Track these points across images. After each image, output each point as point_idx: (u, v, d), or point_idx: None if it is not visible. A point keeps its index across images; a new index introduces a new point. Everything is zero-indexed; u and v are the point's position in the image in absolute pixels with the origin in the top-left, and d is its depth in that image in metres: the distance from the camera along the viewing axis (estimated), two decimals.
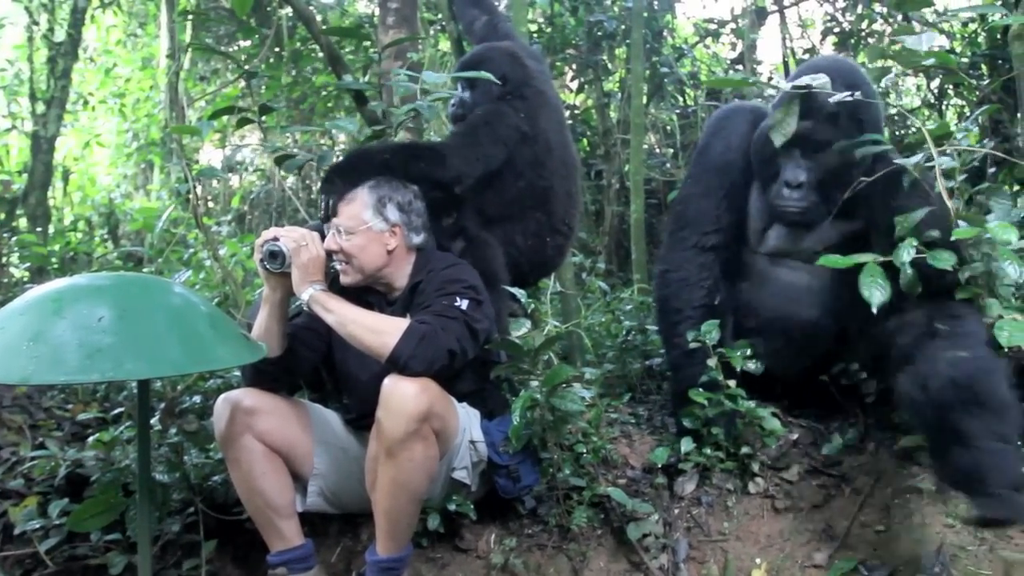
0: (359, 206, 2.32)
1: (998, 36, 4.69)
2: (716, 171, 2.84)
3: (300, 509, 2.34)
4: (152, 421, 2.50)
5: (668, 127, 6.34)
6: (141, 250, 4.53)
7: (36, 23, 6.53)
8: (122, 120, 9.00)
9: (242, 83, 8.21)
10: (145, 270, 4.09)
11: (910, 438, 2.61)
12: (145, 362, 1.68)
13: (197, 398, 2.75)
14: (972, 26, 5.43)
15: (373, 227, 2.31)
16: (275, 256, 2.22)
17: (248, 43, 7.53)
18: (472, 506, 2.39)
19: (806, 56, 6.32)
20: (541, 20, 6.43)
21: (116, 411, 2.76)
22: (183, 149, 3.38)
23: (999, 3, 3.12)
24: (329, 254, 2.31)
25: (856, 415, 2.90)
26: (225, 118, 7.80)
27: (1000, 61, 4.72)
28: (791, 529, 2.54)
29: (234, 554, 2.50)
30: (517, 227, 2.85)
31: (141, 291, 1.84)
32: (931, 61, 2.47)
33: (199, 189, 3.09)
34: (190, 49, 6.83)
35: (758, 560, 2.45)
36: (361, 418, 2.35)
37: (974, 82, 4.45)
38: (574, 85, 6.81)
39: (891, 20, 5.41)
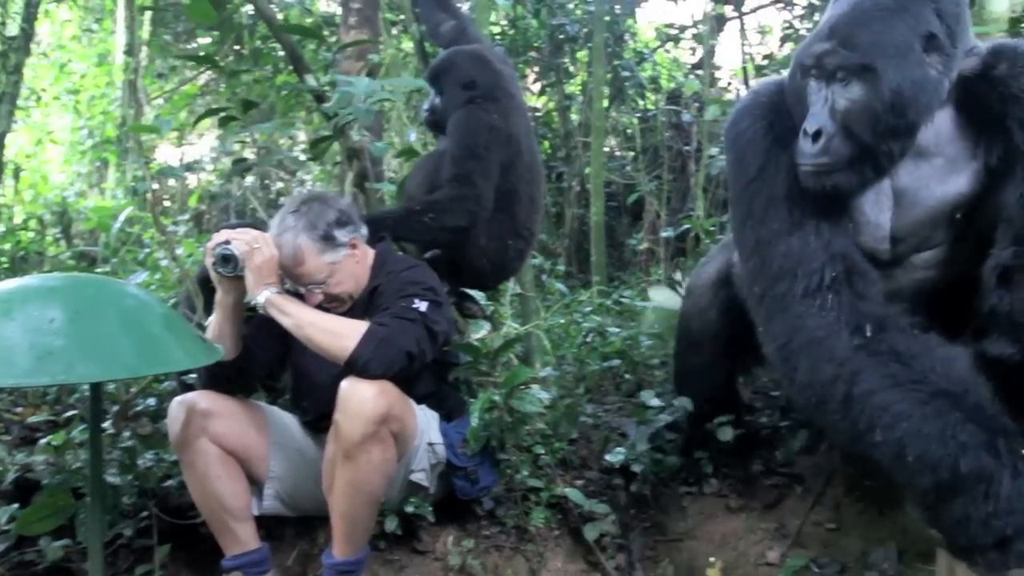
0: (311, 257, 2.24)
1: None
2: (780, 185, 1.96)
3: (256, 512, 2.32)
4: (105, 424, 2.46)
5: (629, 130, 6.40)
6: (95, 250, 4.45)
7: None
8: (76, 117, 8.83)
9: (200, 80, 8.14)
10: (99, 270, 4.03)
11: None
12: (98, 365, 1.66)
13: (152, 400, 2.72)
14: None
15: (337, 260, 2.28)
16: (227, 260, 2.16)
17: (208, 40, 7.46)
18: (430, 508, 2.39)
19: (765, 62, 6.42)
20: (504, 22, 6.46)
21: (68, 414, 2.72)
22: (140, 148, 3.33)
23: None
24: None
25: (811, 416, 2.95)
26: (183, 115, 7.74)
27: None
28: (745, 528, 2.57)
29: (188, 559, 2.47)
30: (480, 228, 2.87)
31: (94, 292, 1.81)
32: None
33: (156, 187, 3.05)
34: (148, 46, 6.74)
35: (712, 559, 2.48)
36: (318, 420, 2.34)
37: None
38: (536, 87, 6.84)
39: None
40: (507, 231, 2.94)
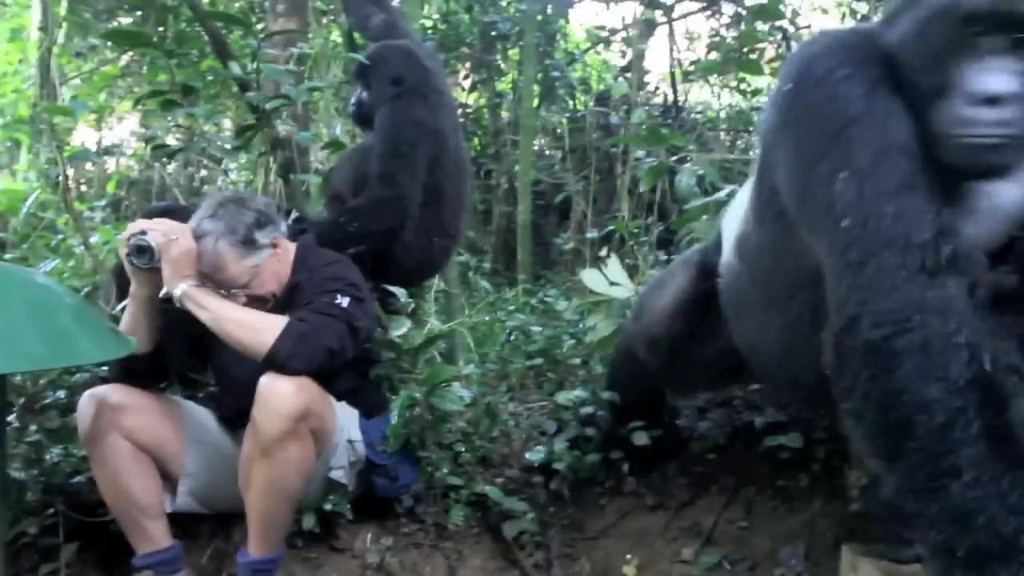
0: (232, 264, 2.20)
1: None
2: (894, 133, 1.58)
3: (169, 510, 2.27)
4: (10, 418, 2.37)
5: (558, 130, 6.45)
6: (3, 236, 4.27)
7: None
8: None
9: (122, 62, 7.87)
10: (8, 256, 3.87)
11: (773, 439, 2.74)
12: (2, 356, 1.60)
13: (61, 393, 2.62)
14: None
15: (259, 263, 2.24)
16: (143, 251, 2.11)
17: (129, 20, 7.22)
18: (348, 505, 2.37)
19: (692, 68, 6.55)
20: (436, 16, 6.43)
21: None
22: (54, 130, 3.21)
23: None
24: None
25: (726, 417, 3.03)
26: (102, 97, 7.48)
27: None
28: (661, 526, 2.63)
29: (96, 557, 2.40)
30: (406, 225, 2.86)
31: None
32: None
33: (71, 172, 2.95)
34: (65, 23, 6.48)
35: (628, 556, 2.53)
36: (236, 416, 2.30)
37: None
38: (467, 83, 6.84)
39: (772, 39, 5.67)
40: (433, 228, 2.93)
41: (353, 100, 2.99)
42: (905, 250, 1.47)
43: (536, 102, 5.96)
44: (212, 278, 2.20)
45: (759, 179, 1.89)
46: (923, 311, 1.42)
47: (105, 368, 2.40)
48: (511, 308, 4.12)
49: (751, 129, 6.33)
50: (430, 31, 6.17)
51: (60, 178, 2.86)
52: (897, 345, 1.42)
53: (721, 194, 3.15)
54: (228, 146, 3.44)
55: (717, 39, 6.25)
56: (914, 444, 1.42)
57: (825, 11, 6.55)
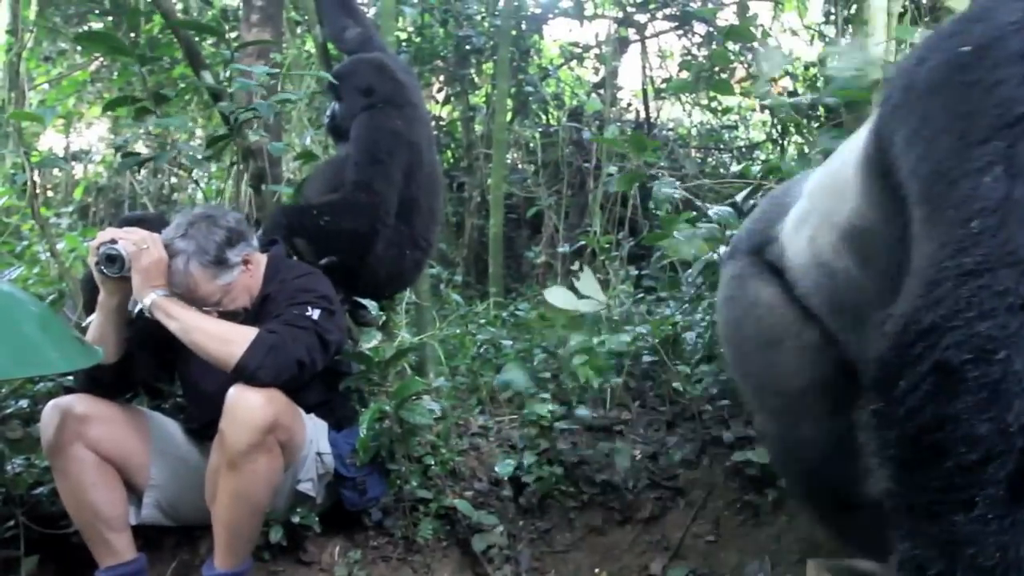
0: (203, 284, 2.19)
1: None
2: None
3: (134, 522, 2.24)
4: None
5: (531, 144, 6.48)
6: None
7: None
8: None
9: (92, 67, 7.79)
10: None
11: (740, 454, 2.77)
12: None
13: (24, 402, 2.58)
14: (812, 70, 5.84)
15: (232, 280, 2.23)
16: (113, 260, 2.09)
17: (99, 25, 7.15)
18: (316, 518, 2.36)
19: (664, 85, 6.62)
20: (410, 30, 6.45)
21: None
22: (21, 135, 3.17)
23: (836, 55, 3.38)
24: None
25: (693, 432, 3.05)
26: (71, 102, 7.39)
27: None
28: (629, 540, 2.64)
29: (58, 570, 2.36)
30: (378, 237, 2.85)
31: None
32: (768, 101, 2.65)
33: (38, 178, 2.91)
34: (34, 27, 6.42)
35: (597, 570, 2.54)
36: (204, 428, 2.28)
37: (809, 123, 4.79)
38: (441, 97, 6.85)
39: (743, 59, 5.75)
40: (405, 241, 2.93)
41: (328, 113, 3.00)
42: (1021, 278, 1.28)
43: (509, 116, 5.99)
44: (183, 298, 2.18)
45: (876, 162, 1.57)
46: (1011, 347, 1.28)
47: (70, 378, 2.37)
48: (482, 321, 4.12)
49: (721, 147, 6.41)
50: (405, 44, 6.18)
51: (27, 184, 2.82)
52: (971, 374, 1.27)
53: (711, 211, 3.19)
54: (200, 156, 3.40)
55: (689, 58, 6.34)
56: (940, 469, 1.32)
57: (795, 32, 6.66)
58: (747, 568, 2.48)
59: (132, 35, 5.90)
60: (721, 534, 2.65)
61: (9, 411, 2.51)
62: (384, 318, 2.56)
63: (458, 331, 3.86)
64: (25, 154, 2.81)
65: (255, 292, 2.29)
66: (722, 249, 3.22)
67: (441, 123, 6.71)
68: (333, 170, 2.99)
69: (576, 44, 7.06)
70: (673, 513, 2.74)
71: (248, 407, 2.01)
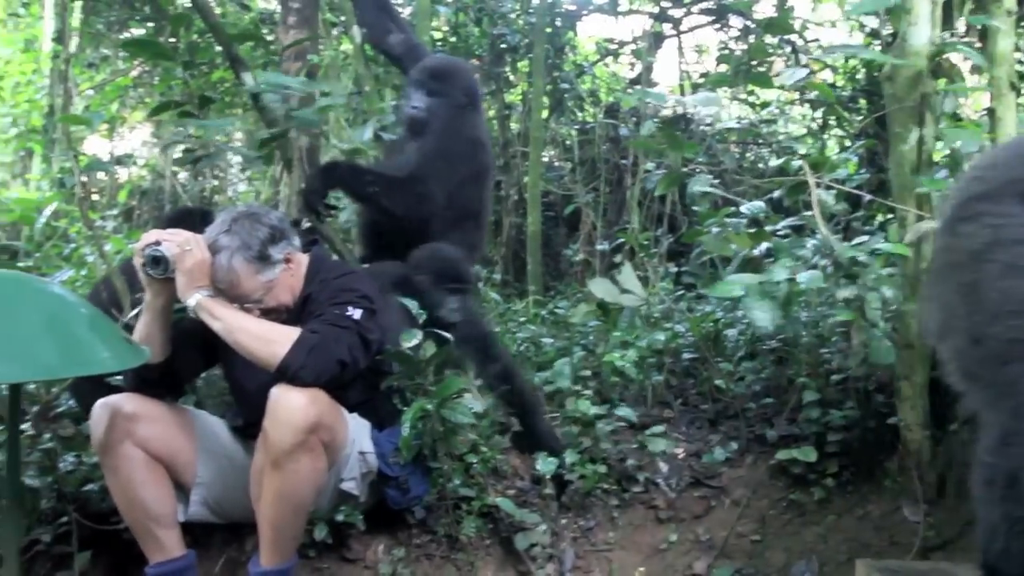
0: (246, 280, 2.20)
1: (875, 73, 4.99)
2: None
3: (182, 519, 2.27)
4: (24, 426, 2.38)
5: (567, 142, 6.46)
6: (18, 244, 4.29)
7: None
8: (0, 104, 8.51)
9: (134, 72, 7.93)
10: (21, 266, 3.89)
11: (785, 452, 2.74)
12: (16, 364, 1.61)
13: (74, 402, 2.64)
14: (853, 62, 5.75)
15: (273, 278, 2.25)
16: (157, 261, 2.12)
17: (142, 32, 7.27)
18: (360, 516, 2.37)
19: (701, 80, 6.57)
20: (445, 28, 6.46)
21: None
22: (71, 139, 3.23)
23: (877, 42, 3.32)
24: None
25: (736, 430, 3.02)
26: (114, 107, 7.53)
27: (876, 97, 5.00)
28: (673, 539, 2.62)
29: (110, 566, 2.41)
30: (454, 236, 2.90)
31: (14, 289, 1.76)
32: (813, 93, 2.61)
33: (84, 179, 2.98)
34: (79, 34, 6.55)
35: (642, 569, 2.53)
36: (249, 427, 2.31)
37: (849, 116, 4.72)
38: None
39: (780, 52, 5.68)
40: (467, 244, 2.97)
41: (414, 104, 2.93)
42: None
43: (545, 114, 5.98)
44: (226, 293, 2.20)
45: None
46: None
47: (118, 377, 2.41)
48: (521, 319, 4.11)
49: (760, 141, 6.34)
50: (440, 43, 6.20)
51: (75, 187, 2.88)
52: None
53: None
54: (240, 157, 3.43)
55: (726, 52, 6.27)
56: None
57: (834, 25, 6.56)
58: (793, 568, 2.45)
59: (172, 40, 6.00)
60: (766, 533, 2.62)
61: (61, 410, 2.56)
62: (425, 317, 2.56)
63: (497, 329, 3.85)
64: (74, 157, 2.87)
65: (297, 291, 2.31)
66: (764, 245, 3.19)
67: None
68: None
69: (611, 40, 7.02)
70: (717, 512, 2.71)
71: (291, 407, 2.03)
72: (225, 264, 2.18)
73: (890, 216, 3.88)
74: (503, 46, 6.20)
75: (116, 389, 2.29)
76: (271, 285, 2.24)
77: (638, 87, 6.32)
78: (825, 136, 5.83)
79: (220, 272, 2.18)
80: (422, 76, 2.98)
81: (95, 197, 7.11)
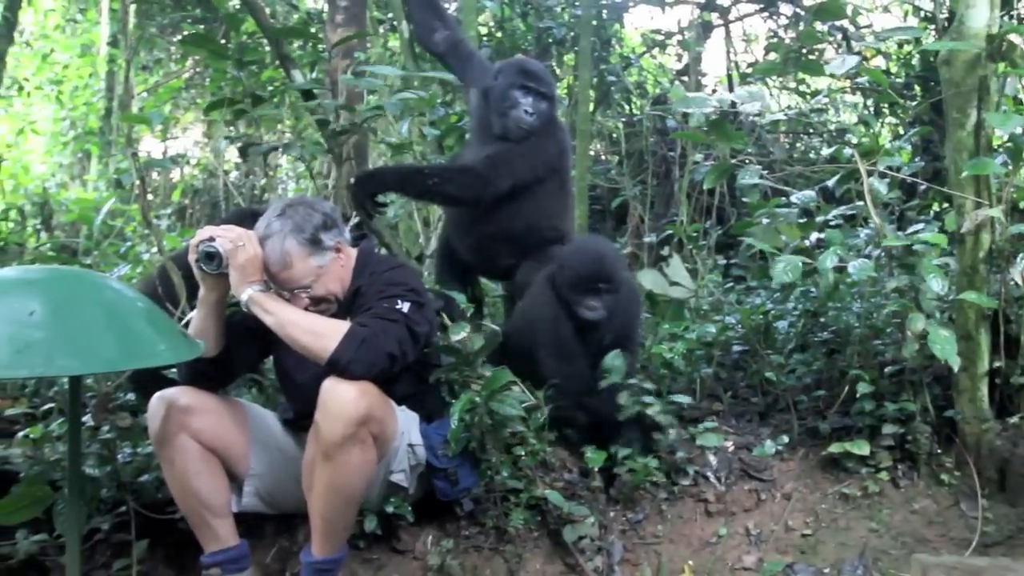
0: (298, 261, 2.22)
1: (931, 58, 4.87)
2: None
3: (235, 509, 2.31)
4: (84, 417, 2.44)
5: (614, 135, 6.42)
6: (77, 241, 4.42)
7: None
8: (59, 107, 8.76)
9: (185, 74, 8.10)
10: (80, 264, 4.00)
11: (838, 445, 2.69)
12: (78, 358, 1.65)
13: (131, 395, 2.70)
14: (907, 48, 5.62)
15: (324, 264, 2.27)
16: (211, 257, 2.15)
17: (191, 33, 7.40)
18: (409, 508, 2.39)
19: (749, 70, 6.48)
20: (491, 24, 6.47)
21: (46, 407, 2.70)
22: (131, 139, 3.32)
23: (932, 27, 3.24)
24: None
25: (787, 423, 2.98)
26: (167, 108, 7.70)
27: (932, 83, 4.88)
28: (722, 532, 2.60)
29: (166, 554, 2.46)
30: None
31: (75, 285, 1.81)
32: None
33: (142, 183, 3.05)
34: (126, 37, 6.70)
35: (691, 562, 2.51)
36: (300, 419, 2.34)
37: (905, 102, 4.61)
38: None
39: (831, 39, 5.57)
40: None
41: (530, 110, 2.98)
42: None
43: (592, 107, 5.95)
44: (277, 276, 2.23)
45: None
46: None
47: (174, 370, 2.47)
48: None
49: (811, 131, 6.23)
50: (486, 38, 6.21)
51: (133, 184, 2.95)
52: None
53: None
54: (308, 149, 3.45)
55: (775, 40, 6.17)
56: None
57: (887, 9, 6.41)
58: (846, 563, 2.41)
59: (223, 41, 6.11)
60: (818, 527, 2.59)
61: (119, 402, 2.63)
62: (473, 310, 2.57)
63: None
64: (134, 155, 2.93)
65: (346, 283, 2.33)
66: (814, 236, 3.14)
67: None
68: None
69: (658, 31, 6.97)
70: (767, 505, 2.68)
71: (341, 400, 2.05)
72: (278, 245, 2.21)
73: (946, 205, 3.81)
74: (549, 40, 6.19)
75: (174, 381, 2.34)
76: (322, 271, 2.26)
77: (685, 78, 6.26)
78: (878, 124, 5.71)
79: (273, 254, 2.21)
80: (531, 81, 3.01)
81: (149, 196, 7.28)
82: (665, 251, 4.23)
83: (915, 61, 5.52)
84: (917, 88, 5.38)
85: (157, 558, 2.45)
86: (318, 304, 2.27)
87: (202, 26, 7.18)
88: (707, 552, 2.54)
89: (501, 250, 3.10)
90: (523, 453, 2.52)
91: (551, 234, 3.12)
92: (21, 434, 2.53)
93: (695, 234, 4.26)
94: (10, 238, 5.11)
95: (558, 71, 6.57)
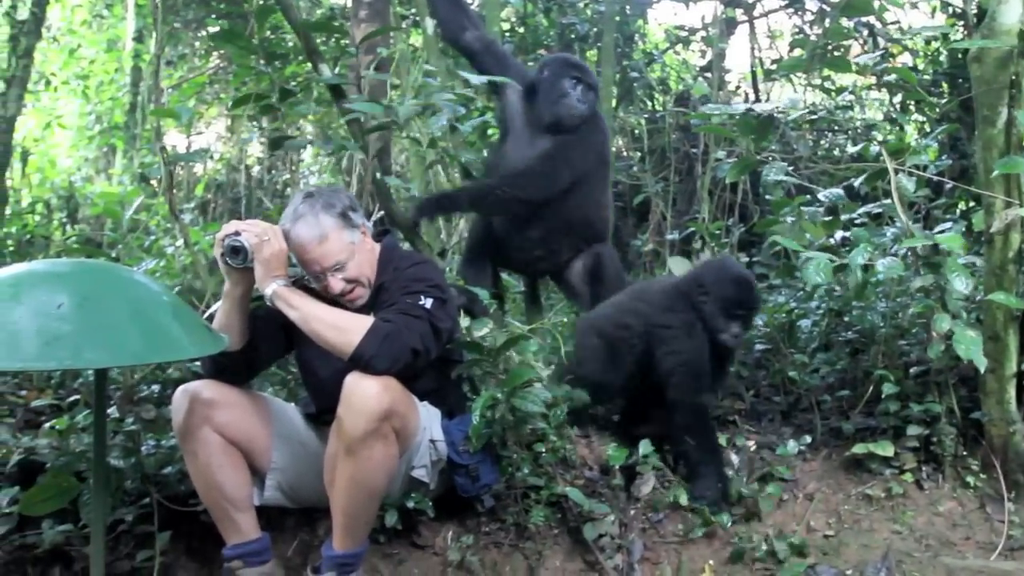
0: (333, 234, 2.24)
1: (959, 55, 4.81)
2: None
3: (257, 503, 2.33)
4: (109, 409, 2.47)
5: (636, 131, 6.39)
6: (103, 234, 4.46)
7: None
8: (85, 102, 8.85)
9: (209, 69, 8.14)
10: (105, 257, 4.04)
11: (861, 446, 2.67)
12: (104, 351, 1.66)
13: (156, 387, 2.73)
14: (935, 44, 5.55)
15: (355, 241, 2.28)
16: (237, 251, 2.17)
17: (216, 29, 7.45)
18: (430, 503, 2.40)
19: (774, 66, 6.42)
20: (513, 19, 6.45)
21: (72, 398, 2.73)
22: (160, 132, 3.34)
23: (960, 24, 3.20)
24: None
25: (810, 423, 2.96)
26: (191, 103, 7.75)
27: (960, 80, 4.82)
28: (744, 532, 2.58)
29: (189, 546, 2.48)
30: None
31: (102, 278, 1.82)
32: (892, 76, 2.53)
33: (169, 176, 3.07)
34: (156, 33, 6.76)
35: (711, 561, 2.49)
36: (322, 414, 2.35)
37: (933, 100, 4.55)
38: None
39: (857, 35, 5.51)
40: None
41: (582, 100, 3.11)
42: None
43: (614, 103, 5.92)
44: (313, 253, 2.22)
45: None
46: None
47: (198, 363, 2.48)
48: None
49: (836, 128, 6.17)
50: (508, 34, 6.19)
51: (160, 178, 2.97)
52: None
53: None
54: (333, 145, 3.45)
55: (800, 36, 6.11)
56: None
57: (915, 6, 6.33)
58: (869, 565, 2.38)
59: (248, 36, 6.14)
60: (840, 528, 2.57)
61: (143, 395, 2.65)
62: (494, 306, 2.57)
63: (565, 320, 3.85)
64: (162, 149, 2.96)
65: (374, 270, 2.34)
66: (839, 234, 3.11)
67: None
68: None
69: (682, 27, 6.93)
70: (789, 505, 2.66)
71: (364, 395, 2.06)
72: (312, 220, 2.22)
73: (973, 204, 3.76)
74: (572, 36, 6.16)
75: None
76: (354, 249, 2.27)
77: (709, 75, 6.22)
78: (905, 122, 5.65)
79: (308, 229, 2.21)
80: (578, 72, 3.14)
81: (173, 190, 7.34)
82: (687, 249, 4.21)
83: (943, 58, 5.45)
84: (944, 85, 5.31)
85: (180, 550, 2.47)
86: (352, 289, 2.28)
87: (226, 21, 7.23)
88: (727, 552, 2.53)
89: (563, 243, 3.22)
90: (544, 450, 2.52)
91: (602, 225, 3.25)
92: (47, 425, 2.56)
93: (717, 232, 4.23)
94: (37, 231, 5.18)
95: None
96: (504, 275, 3.64)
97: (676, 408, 2.64)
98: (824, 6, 6.09)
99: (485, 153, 3.44)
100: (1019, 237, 2.55)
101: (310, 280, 2.32)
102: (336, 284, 2.25)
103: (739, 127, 2.95)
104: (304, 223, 2.22)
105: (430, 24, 3.66)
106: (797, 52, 5.48)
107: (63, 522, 2.33)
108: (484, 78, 3.05)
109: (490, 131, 3.59)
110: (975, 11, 3.78)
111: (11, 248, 4.56)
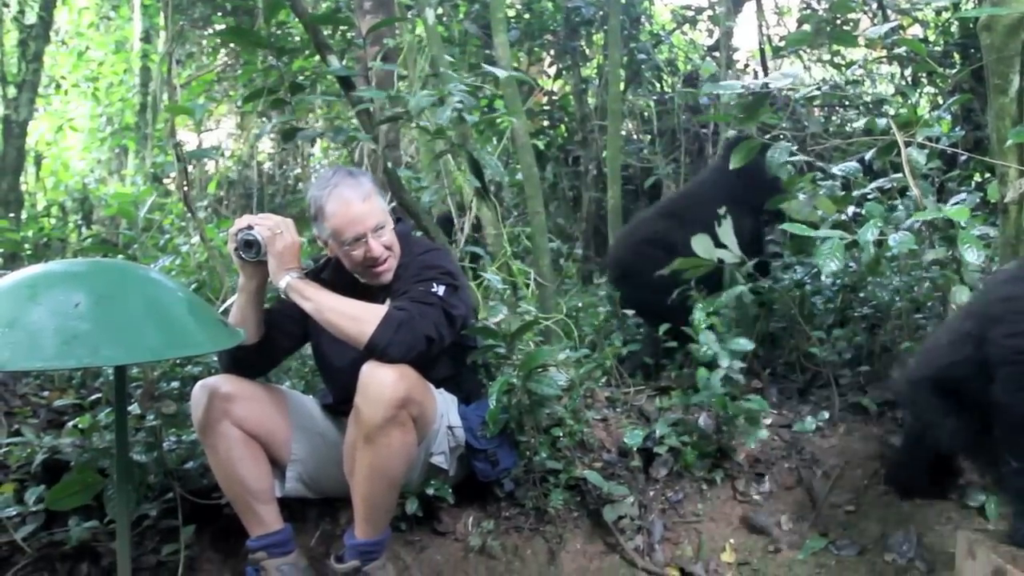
0: (374, 195, 2.27)
1: (970, 25, 4.75)
2: None
3: (279, 494, 2.35)
4: (130, 407, 2.49)
5: (645, 113, 6.37)
6: (118, 233, 4.49)
7: (6, 5, 6.43)
8: (95, 104, 8.91)
9: (217, 66, 8.16)
10: (122, 256, 4.06)
11: (882, 420, 2.66)
12: (122, 348, 1.68)
13: (175, 383, 2.75)
14: (945, 15, 5.49)
15: (386, 208, 2.32)
16: (250, 245, 2.19)
17: (223, 27, 7.47)
18: (450, 490, 2.41)
19: (782, 43, 6.36)
20: (519, 5, 6.43)
21: (93, 397, 2.76)
22: (174, 130, 3.35)
23: None
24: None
25: (828, 399, 2.95)
26: (199, 101, 7.78)
27: (972, 50, 4.76)
28: (763, 511, 2.58)
29: (213, 539, 2.51)
30: None
31: (118, 277, 1.84)
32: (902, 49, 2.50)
33: (184, 172, 3.09)
34: (163, 32, 6.78)
35: (731, 540, 2.50)
36: (340, 404, 2.37)
37: (944, 71, 4.50)
38: (552, 71, 6.82)
39: (866, 8, 5.46)
40: None
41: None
42: None
43: (622, 86, 5.90)
44: (356, 211, 2.22)
45: None
46: None
47: (215, 360, 2.50)
48: (602, 293, 4.09)
49: (846, 103, 6.12)
50: (514, 20, 6.17)
51: (174, 175, 3.00)
52: None
53: None
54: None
55: (808, 11, 6.06)
56: None
57: None
58: (890, 539, 2.38)
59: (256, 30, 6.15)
60: (861, 503, 2.56)
61: (163, 391, 2.68)
62: (508, 292, 2.57)
63: (580, 304, 3.85)
64: (176, 146, 2.97)
65: (397, 250, 2.34)
66: (851, 209, 3.09)
67: (554, 97, 6.68)
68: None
69: (688, 7, 6.87)
70: (809, 482, 2.66)
71: (381, 383, 2.07)
72: (354, 180, 2.25)
73: (988, 175, 3.72)
74: (577, 19, 6.14)
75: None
76: (387, 219, 2.29)
77: (717, 54, 6.18)
78: (916, 94, 5.60)
79: (352, 189, 2.22)
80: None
81: (185, 188, 7.38)
82: None
83: (954, 28, 5.39)
84: (956, 56, 5.25)
85: (204, 543, 2.50)
86: (387, 258, 2.29)
87: (232, 18, 7.25)
88: (747, 531, 2.53)
89: None
90: (561, 434, 2.53)
91: None
92: (70, 424, 2.59)
93: None
94: (53, 234, 5.22)
95: (587, 51, 6.52)
96: (517, 263, 3.65)
97: (1002, 414, 1.98)
98: None
99: (494, 142, 3.43)
100: None
101: (324, 271, 2.33)
102: (376, 247, 2.25)
103: (746, 114, 2.94)
104: (346, 185, 2.24)
105: (430, 15, 3.65)
106: (805, 27, 5.44)
107: (89, 519, 2.36)
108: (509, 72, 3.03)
109: (499, 121, 3.58)
110: None
111: (28, 252, 4.61)
